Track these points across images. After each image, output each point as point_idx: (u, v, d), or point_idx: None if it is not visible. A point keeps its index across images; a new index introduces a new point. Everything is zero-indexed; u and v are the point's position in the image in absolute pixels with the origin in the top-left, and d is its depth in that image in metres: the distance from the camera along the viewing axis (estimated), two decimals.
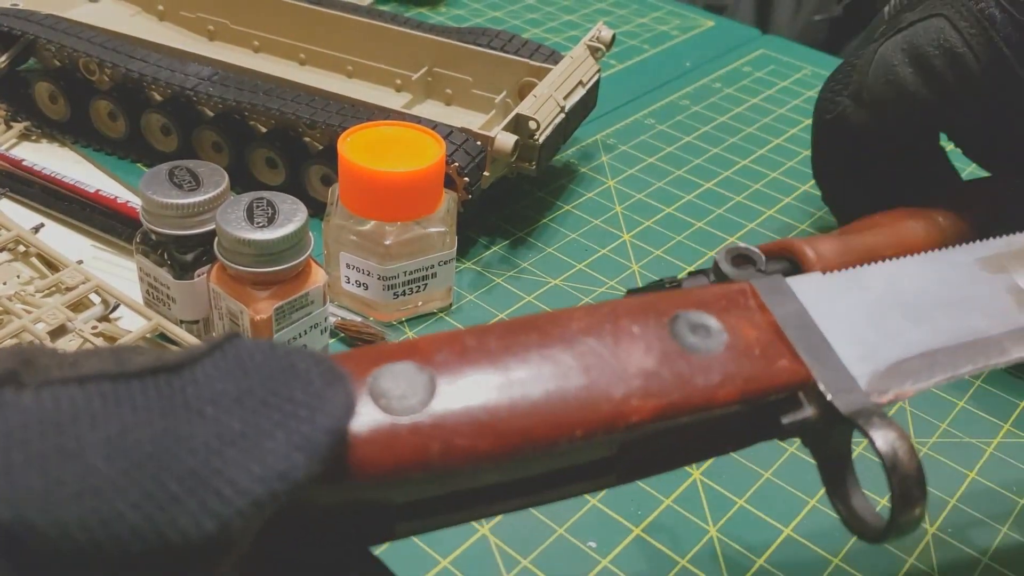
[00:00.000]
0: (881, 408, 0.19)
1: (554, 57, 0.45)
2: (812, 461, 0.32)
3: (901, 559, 0.29)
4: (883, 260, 0.23)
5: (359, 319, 0.36)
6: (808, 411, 0.19)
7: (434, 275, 0.36)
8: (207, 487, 0.14)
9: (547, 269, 0.40)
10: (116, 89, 0.43)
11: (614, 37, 0.45)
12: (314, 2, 0.48)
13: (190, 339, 0.34)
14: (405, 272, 0.36)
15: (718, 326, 0.19)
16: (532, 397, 0.17)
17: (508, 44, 0.46)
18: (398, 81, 0.47)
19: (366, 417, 0.17)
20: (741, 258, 0.23)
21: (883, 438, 0.18)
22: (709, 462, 0.32)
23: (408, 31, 0.46)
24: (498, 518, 0.30)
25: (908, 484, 0.18)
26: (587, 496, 0.31)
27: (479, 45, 0.45)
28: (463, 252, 0.41)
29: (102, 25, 0.44)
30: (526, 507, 0.20)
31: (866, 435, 0.18)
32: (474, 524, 0.29)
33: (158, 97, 0.43)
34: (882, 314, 0.21)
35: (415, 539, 0.29)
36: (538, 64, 0.44)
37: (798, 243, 0.31)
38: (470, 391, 0.17)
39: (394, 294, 0.36)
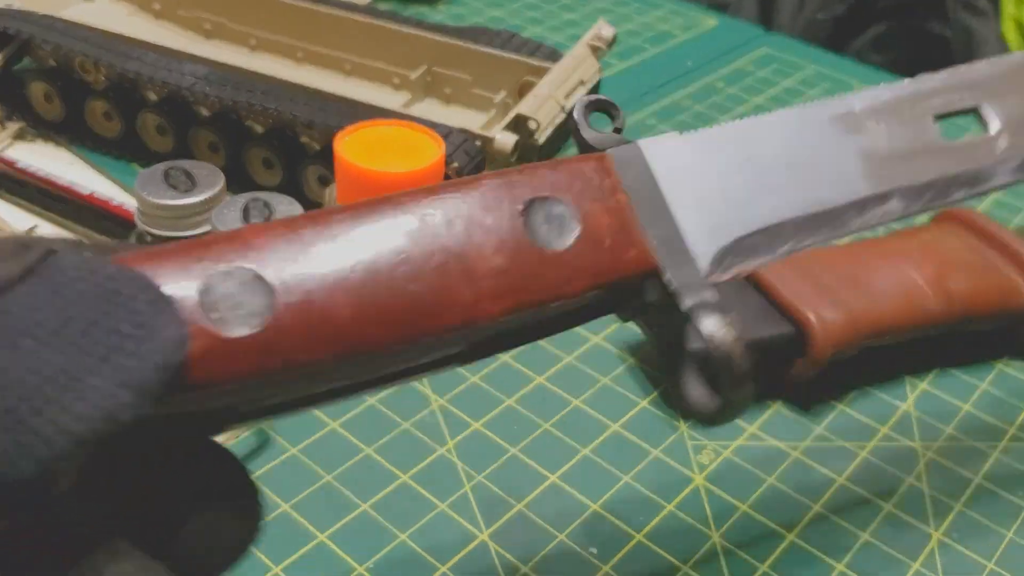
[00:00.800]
0: (718, 285, 0.19)
1: (555, 56, 0.45)
2: (817, 467, 0.32)
3: (906, 564, 0.29)
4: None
5: None
6: (651, 296, 0.19)
7: None
8: (24, 427, 0.13)
9: None
10: (111, 89, 0.43)
11: (616, 35, 0.45)
12: (312, 1, 0.48)
13: None
14: None
15: (572, 216, 0.19)
16: (379, 302, 0.17)
17: (508, 43, 0.45)
18: (396, 80, 0.46)
19: (199, 337, 0.15)
20: (600, 111, 0.22)
21: (708, 325, 0.18)
22: (710, 467, 0.32)
23: (407, 30, 0.46)
24: (497, 525, 0.29)
25: (732, 363, 0.18)
26: (588, 502, 0.30)
27: (478, 44, 0.45)
28: None
29: (98, 24, 0.44)
30: (369, 393, 0.19)
31: (695, 326, 0.18)
32: (473, 530, 0.29)
33: (154, 97, 0.42)
34: (732, 182, 0.21)
35: (414, 545, 0.28)
36: (538, 63, 0.43)
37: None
38: (311, 298, 0.16)
39: None
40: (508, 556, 0.28)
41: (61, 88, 0.44)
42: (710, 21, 0.64)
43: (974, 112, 0.24)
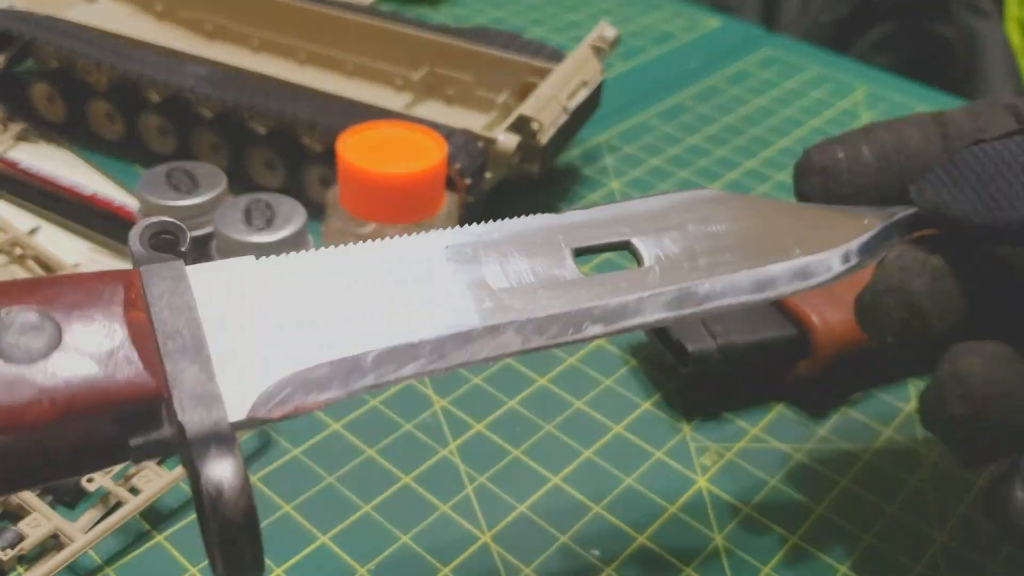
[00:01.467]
0: (243, 428, 0.17)
1: (557, 57, 0.45)
2: (820, 469, 0.32)
3: (909, 566, 0.29)
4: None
5: None
6: (165, 431, 0.17)
7: None
8: None
9: None
10: (113, 90, 0.43)
11: (618, 37, 0.45)
12: (314, 2, 0.48)
13: None
14: None
15: (53, 327, 0.17)
16: None
17: (510, 44, 0.45)
18: (398, 81, 0.46)
19: None
20: (166, 238, 0.20)
21: (214, 470, 0.16)
22: (713, 469, 0.32)
23: (409, 31, 0.46)
24: (499, 526, 0.29)
25: (230, 528, 0.16)
26: (591, 504, 0.30)
27: (481, 45, 0.45)
28: None
29: (100, 26, 0.44)
30: None
31: (194, 466, 0.16)
32: (475, 531, 0.29)
33: (156, 98, 0.42)
34: (303, 310, 0.19)
35: (416, 547, 0.28)
36: (541, 64, 0.43)
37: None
38: None
39: None
40: (510, 558, 0.28)
41: (63, 89, 0.44)
42: (712, 22, 0.64)
43: (625, 247, 0.22)
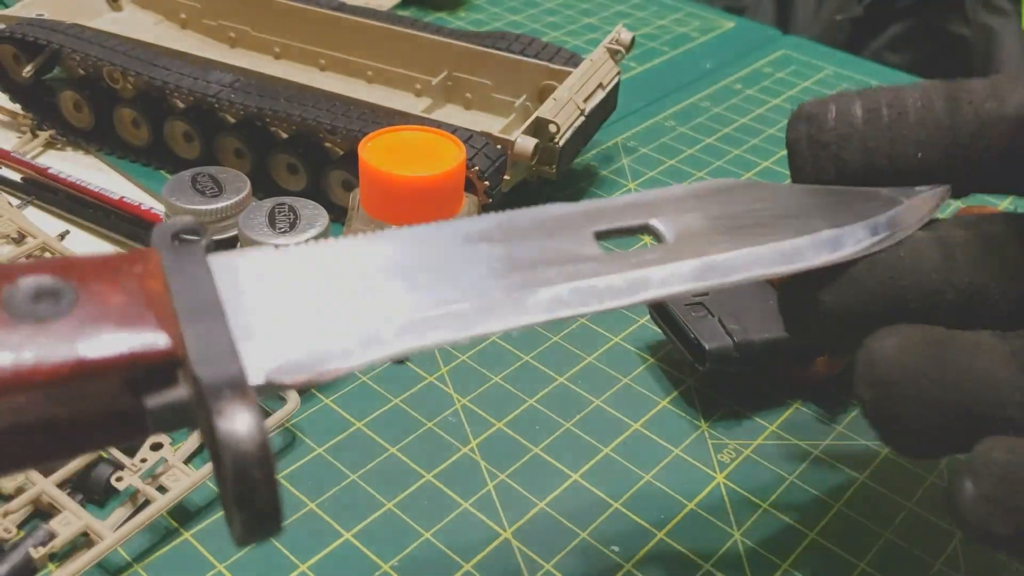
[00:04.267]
0: (262, 393, 0.17)
1: (574, 60, 0.45)
2: (839, 465, 0.32)
3: (928, 563, 0.29)
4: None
5: None
6: (181, 391, 0.17)
7: None
8: None
9: None
10: (139, 97, 0.44)
11: (634, 39, 0.45)
12: (334, 8, 0.48)
13: None
14: None
15: (70, 292, 0.17)
16: None
17: (528, 48, 0.46)
18: (418, 86, 0.47)
19: None
20: (187, 237, 0.19)
21: (229, 413, 0.16)
22: (732, 466, 0.32)
23: (428, 36, 0.46)
24: (519, 523, 0.30)
25: (244, 466, 0.15)
26: (610, 500, 0.30)
27: (498, 49, 0.45)
28: None
29: (126, 34, 0.45)
30: None
31: (210, 420, 0.16)
32: (496, 528, 0.29)
33: (181, 105, 0.43)
34: (325, 288, 0.19)
35: (438, 543, 0.29)
36: (558, 67, 0.44)
37: None
38: None
39: None
40: (531, 554, 0.29)
41: (90, 97, 0.45)
42: (727, 23, 0.64)
43: (646, 229, 0.22)
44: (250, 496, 0.16)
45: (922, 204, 0.24)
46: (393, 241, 0.20)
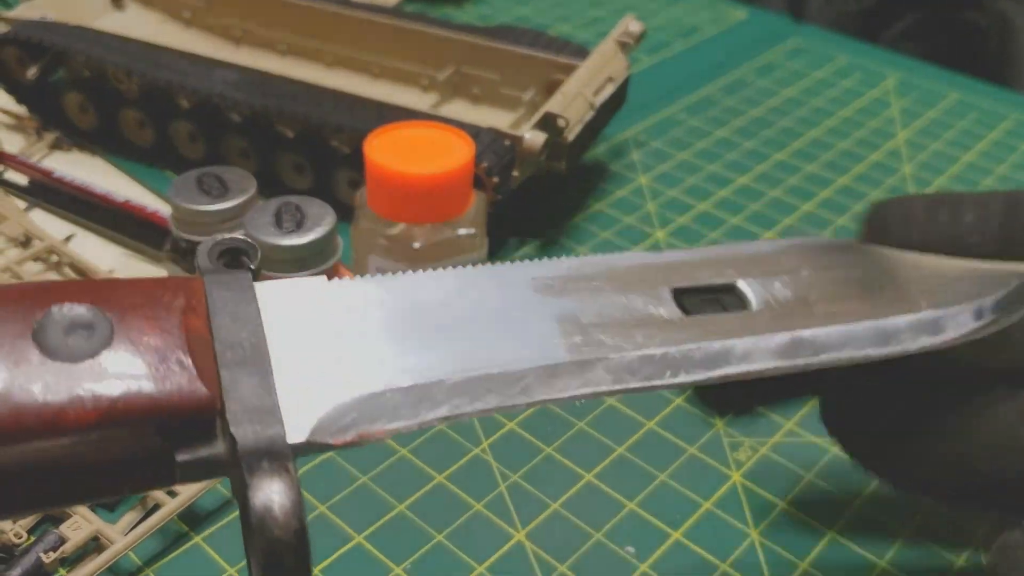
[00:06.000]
0: (302, 452, 0.16)
1: (582, 53, 0.45)
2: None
3: (949, 560, 0.29)
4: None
5: None
6: (217, 447, 0.15)
7: None
8: None
9: None
10: (144, 98, 0.43)
11: (643, 31, 0.45)
12: (339, 4, 0.48)
13: None
14: None
15: (105, 327, 0.15)
16: None
17: (535, 41, 0.45)
18: (425, 82, 0.46)
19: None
20: (236, 254, 0.18)
21: (265, 486, 0.14)
22: (748, 465, 0.31)
23: (434, 31, 0.46)
24: (532, 524, 0.29)
25: (278, 551, 0.14)
26: (625, 501, 0.30)
27: (506, 43, 0.45)
28: (494, 253, 0.40)
29: (130, 34, 0.45)
30: None
31: (244, 485, 0.15)
32: (509, 530, 0.29)
33: (185, 104, 0.43)
34: (373, 335, 0.17)
35: (451, 545, 0.28)
36: (566, 61, 0.43)
37: None
38: None
39: None
40: (544, 556, 0.28)
41: (95, 98, 0.44)
42: (739, 14, 0.63)
43: (731, 290, 0.20)
44: (279, 569, 0.15)
45: None
46: (455, 282, 0.19)
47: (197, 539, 0.28)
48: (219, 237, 0.18)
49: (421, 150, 0.34)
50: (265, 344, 0.16)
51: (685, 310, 0.19)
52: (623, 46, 0.44)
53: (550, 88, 0.43)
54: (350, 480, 0.30)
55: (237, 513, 0.29)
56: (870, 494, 0.31)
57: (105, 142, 0.46)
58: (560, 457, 0.31)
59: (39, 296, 0.16)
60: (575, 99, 0.40)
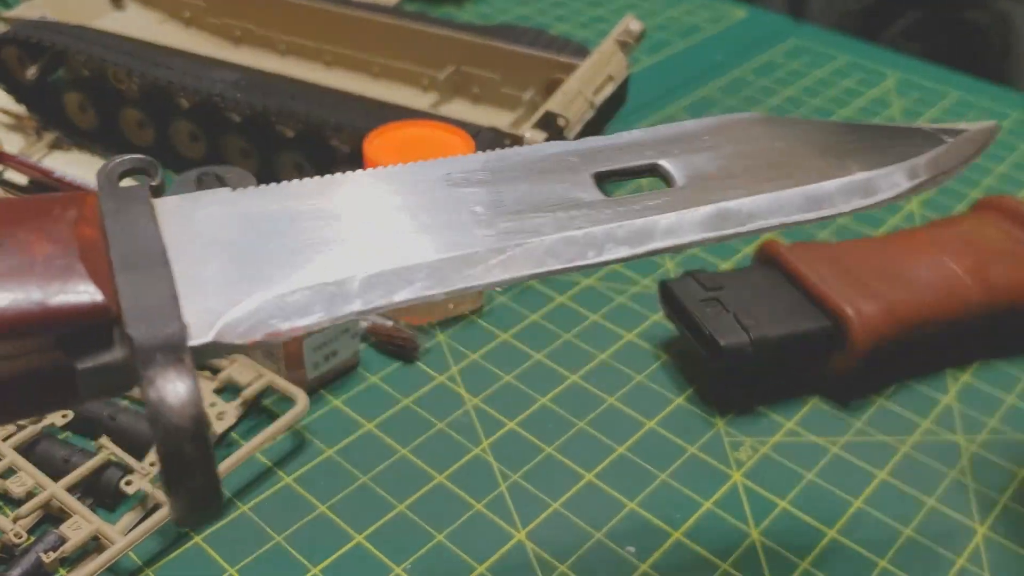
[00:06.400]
0: (209, 353, 0.15)
1: (582, 53, 0.45)
2: (857, 462, 0.31)
3: (949, 559, 0.28)
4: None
5: (390, 323, 0.36)
6: (116, 353, 0.15)
7: None
8: None
9: None
10: (144, 97, 0.43)
11: (643, 31, 0.45)
12: (339, 4, 0.48)
13: None
14: None
15: None
16: None
17: (536, 41, 0.45)
18: (425, 81, 0.46)
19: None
20: (137, 172, 0.18)
21: (159, 379, 0.14)
22: (748, 464, 0.31)
23: (434, 30, 0.46)
24: (533, 524, 0.29)
25: (174, 440, 0.14)
26: (625, 500, 0.30)
27: (506, 42, 0.45)
28: None
29: (130, 34, 0.45)
30: None
31: (143, 377, 0.14)
32: (509, 530, 0.29)
33: (185, 104, 0.43)
34: (286, 238, 0.17)
35: (451, 545, 0.28)
36: (566, 60, 0.43)
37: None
38: None
39: None
40: (545, 555, 0.28)
41: (95, 97, 0.44)
42: (738, 13, 0.63)
43: (653, 171, 0.20)
44: (183, 475, 0.14)
45: (967, 144, 0.21)
46: (368, 181, 0.19)
47: (197, 539, 0.28)
48: (119, 158, 0.18)
49: (421, 149, 0.34)
50: (164, 251, 0.16)
51: (607, 192, 0.19)
52: (623, 45, 0.44)
53: (550, 87, 0.43)
54: (350, 480, 0.30)
55: (237, 513, 0.29)
56: (871, 494, 0.31)
57: (105, 142, 0.45)
58: (560, 457, 0.31)
59: None
60: (575, 98, 0.40)
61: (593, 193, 0.19)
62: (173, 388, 0.14)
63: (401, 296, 0.17)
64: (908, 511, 0.30)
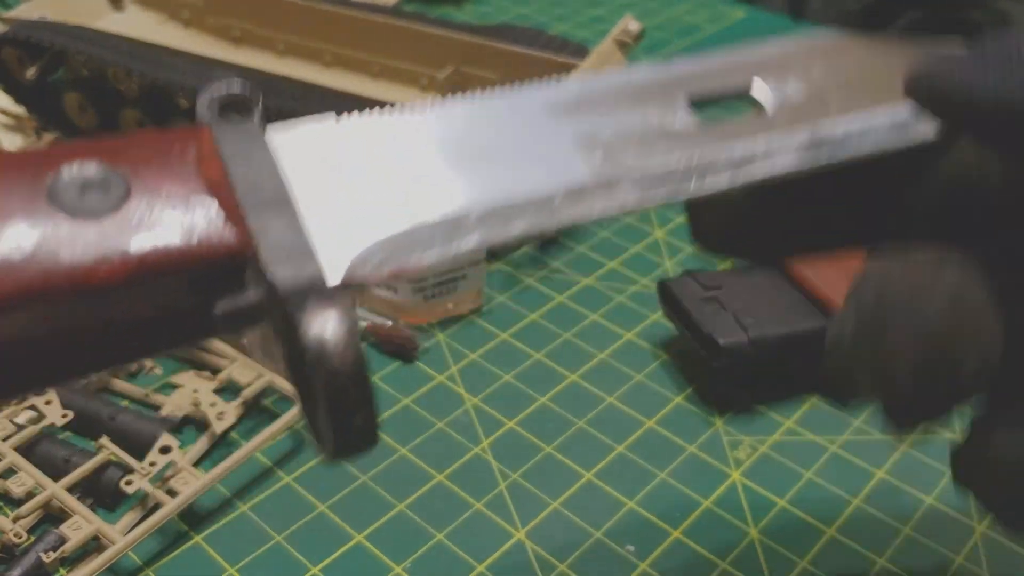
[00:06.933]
0: (341, 293, 0.15)
1: (581, 52, 0.45)
2: (856, 461, 0.31)
3: (949, 558, 0.29)
4: None
5: (389, 322, 0.36)
6: (251, 294, 0.15)
7: (464, 276, 0.36)
8: None
9: (579, 268, 0.40)
10: (144, 97, 0.43)
11: (642, 30, 0.45)
12: (338, 4, 0.48)
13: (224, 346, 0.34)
14: (435, 274, 0.35)
15: (120, 182, 0.15)
16: None
17: (535, 41, 0.45)
18: (424, 81, 0.46)
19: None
20: (237, 105, 0.18)
21: (316, 321, 0.14)
22: (747, 463, 0.31)
23: (433, 30, 0.46)
24: (533, 523, 0.29)
25: (339, 382, 0.14)
26: (625, 499, 0.30)
27: (505, 42, 0.45)
28: (494, 252, 0.40)
29: (129, 34, 0.45)
30: None
31: (296, 319, 0.14)
32: (509, 529, 0.29)
33: (185, 104, 0.43)
34: (397, 172, 0.17)
35: (451, 544, 0.28)
36: (565, 60, 0.43)
37: None
38: None
39: (424, 296, 0.36)
40: (545, 554, 0.28)
41: (94, 98, 0.44)
42: (738, 13, 0.63)
43: (745, 95, 0.21)
44: (347, 417, 0.14)
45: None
46: (468, 112, 0.19)
47: (197, 539, 0.29)
48: (217, 84, 0.18)
49: None
50: (285, 186, 0.16)
51: (700, 117, 0.20)
52: (622, 45, 0.44)
53: None
54: (350, 480, 0.30)
55: (237, 513, 0.29)
56: (870, 492, 0.31)
57: None
58: (560, 456, 0.32)
59: (45, 159, 0.15)
60: None
61: (687, 119, 0.19)
62: (334, 328, 0.14)
63: (516, 229, 0.17)
64: (907, 509, 0.30)
